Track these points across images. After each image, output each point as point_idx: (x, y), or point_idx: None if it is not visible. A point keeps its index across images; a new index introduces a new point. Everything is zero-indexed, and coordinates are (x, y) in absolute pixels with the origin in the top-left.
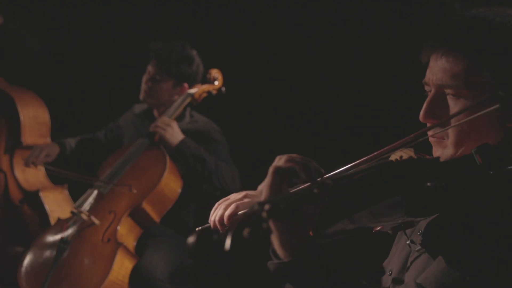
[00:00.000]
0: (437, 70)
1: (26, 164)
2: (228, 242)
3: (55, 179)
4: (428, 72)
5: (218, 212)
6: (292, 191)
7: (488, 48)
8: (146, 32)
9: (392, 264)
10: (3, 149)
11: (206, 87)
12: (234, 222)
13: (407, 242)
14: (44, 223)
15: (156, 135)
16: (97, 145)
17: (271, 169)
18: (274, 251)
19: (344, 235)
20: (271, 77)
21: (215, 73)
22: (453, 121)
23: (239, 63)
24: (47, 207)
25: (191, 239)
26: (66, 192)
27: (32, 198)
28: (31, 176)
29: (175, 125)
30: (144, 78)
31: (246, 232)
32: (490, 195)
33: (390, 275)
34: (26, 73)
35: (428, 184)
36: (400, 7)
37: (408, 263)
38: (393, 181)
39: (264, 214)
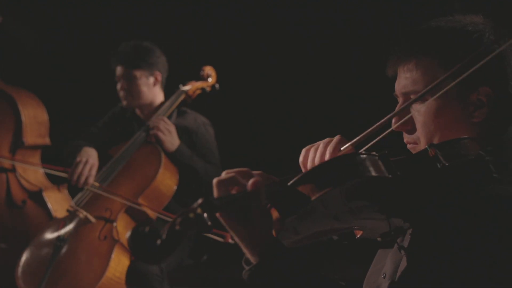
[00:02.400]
0: (401, 80)
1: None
2: (164, 233)
3: (53, 178)
4: (395, 84)
5: None
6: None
7: (440, 52)
8: (142, 31)
9: (386, 267)
10: (7, 149)
11: (199, 84)
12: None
13: (397, 247)
14: (46, 223)
15: (152, 133)
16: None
17: (214, 182)
18: (246, 260)
19: (326, 236)
20: (265, 74)
21: (208, 70)
22: (420, 125)
23: (232, 60)
24: (50, 206)
25: (127, 234)
26: (65, 191)
27: (35, 198)
28: (32, 176)
29: (174, 129)
30: (118, 86)
31: (177, 222)
32: (446, 187)
33: (384, 277)
34: (23, 73)
35: (372, 174)
36: (400, 7)
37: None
38: (333, 172)
39: (198, 210)
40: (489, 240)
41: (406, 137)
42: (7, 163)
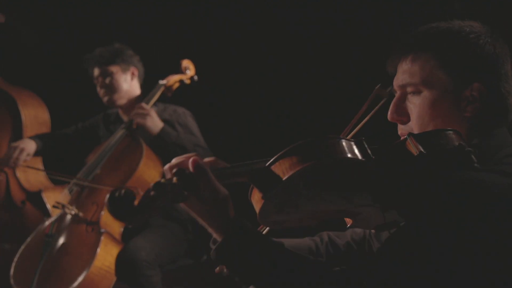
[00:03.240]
0: (399, 74)
1: (6, 164)
2: (136, 200)
3: (55, 180)
4: (394, 79)
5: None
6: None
7: (436, 48)
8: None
9: None
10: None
11: (178, 77)
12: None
13: None
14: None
15: (135, 122)
16: (66, 141)
17: (165, 168)
18: (213, 240)
19: (294, 223)
20: (244, 64)
21: (186, 63)
22: (414, 116)
23: (211, 52)
24: (49, 206)
25: (106, 197)
26: (66, 192)
27: (34, 199)
28: (32, 176)
29: (153, 113)
30: (98, 86)
31: (152, 191)
32: (421, 174)
33: None
34: (26, 72)
35: (347, 156)
36: (400, 7)
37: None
38: (302, 155)
39: (174, 179)
40: (458, 223)
41: (401, 129)
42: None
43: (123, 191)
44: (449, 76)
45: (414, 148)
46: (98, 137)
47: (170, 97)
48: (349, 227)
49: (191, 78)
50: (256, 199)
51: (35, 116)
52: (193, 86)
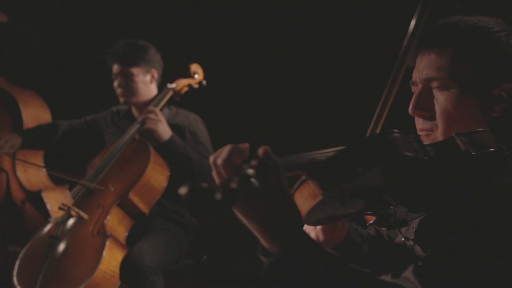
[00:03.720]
0: (422, 67)
1: None
2: (218, 193)
3: (56, 180)
4: (414, 72)
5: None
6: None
7: (467, 43)
8: (128, 29)
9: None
10: None
11: (186, 81)
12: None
13: (402, 239)
14: (45, 223)
15: (145, 126)
16: (69, 133)
17: (219, 162)
18: (262, 250)
19: (336, 220)
20: (252, 69)
21: (195, 67)
22: (441, 112)
23: (219, 57)
24: (49, 207)
25: (183, 189)
26: (67, 192)
27: (34, 198)
28: (32, 176)
29: (164, 120)
30: (115, 84)
31: (234, 185)
32: (471, 176)
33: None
34: (27, 72)
35: (408, 154)
36: (400, 7)
37: (403, 259)
38: (369, 150)
39: (249, 171)
40: (505, 227)
41: (421, 124)
42: (7, 163)
43: (204, 184)
44: (479, 74)
45: (466, 149)
46: (102, 133)
47: (178, 101)
48: (371, 224)
49: (200, 82)
50: (308, 195)
51: (36, 116)
52: (200, 90)
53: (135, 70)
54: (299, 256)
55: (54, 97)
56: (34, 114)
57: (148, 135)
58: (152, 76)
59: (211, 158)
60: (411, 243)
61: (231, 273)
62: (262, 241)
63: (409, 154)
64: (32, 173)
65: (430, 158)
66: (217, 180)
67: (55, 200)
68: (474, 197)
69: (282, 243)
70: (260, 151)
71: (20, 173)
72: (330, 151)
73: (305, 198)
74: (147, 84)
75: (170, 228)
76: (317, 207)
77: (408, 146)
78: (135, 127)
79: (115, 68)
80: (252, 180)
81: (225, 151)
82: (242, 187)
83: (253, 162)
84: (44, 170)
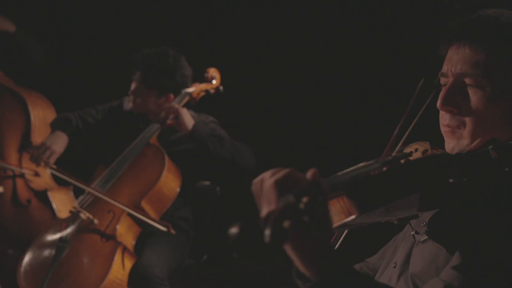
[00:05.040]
0: (456, 60)
1: (37, 162)
2: (267, 234)
3: (59, 180)
4: (446, 63)
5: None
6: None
7: (507, 41)
8: (146, 31)
9: (396, 256)
10: (16, 149)
11: (204, 86)
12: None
13: (412, 233)
14: (50, 223)
15: (169, 119)
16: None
17: (270, 184)
18: (298, 274)
19: (352, 227)
20: (270, 76)
21: (212, 72)
22: (472, 110)
23: (237, 62)
24: (54, 206)
25: (234, 230)
26: (71, 193)
27: (40, 198)
28: (38, 176)
29: (186, 110)
30: (131, 88)
31: (286, 224)
32: (503, 191)
33: (395, 267)
34: (33, 74)
35: (451, 180)
36: (401, 7)
37: (412, 254)
38: (414, 178)
39: (301, 206)
40: None
41: (448, 119)
42: (13, 163)
43: (250, 227)
44: None
45: (501, 164)
46: (110, 133)
47: (194, 106)
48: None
49: (217, 88)
50: (341, 210)
51: (44, 117)
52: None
53: (150, 92)
54: (337, 284)
55: (61, 100)
56: (42, 115)
57: (169, 132)
58: (167, 99)
59: (259, 177)
60: (422, 237)
61: (231, 273)
62: (298, 265)
63: (452, 180)
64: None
65: (468, 178)
66: (258, 202)
67: (60, 200)
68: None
69: (321, 270)
70: (309, 175)
71: (27, 171)
72: (369, 166)
73: (337, 211)
74: (158, 104)
75: (176, 234)
76: (348, 223)
77: (452, 170)
78: (155, 126)
79: (136, 76)
80: (305, 218)
81: (283, 171)
82: (294, 225)
83: (304, 195)
84: (48, 170)
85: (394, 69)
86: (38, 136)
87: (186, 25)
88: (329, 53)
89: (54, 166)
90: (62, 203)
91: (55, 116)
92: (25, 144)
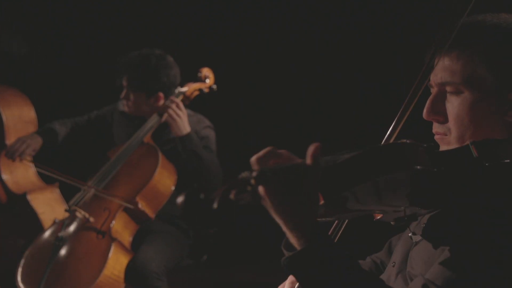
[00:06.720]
0: (438, 70)
1: (12, 157)
2: (216, 202)
3: (46, 177)
4: (432, 74)
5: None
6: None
7: (483, 46)
8: (136, 30)
9: (395, 256)
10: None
11: (197, 85)
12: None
13: (409, 234)
14: (34, 225)
15: (166, 115)
16: (77, 132)
17: (253, 159)
18: (286, 244)
19: (348, 216)
20: (263, 75)
21: (206, 71)
22: (454, 117)
23: (230, 61)
24: (36, 209)
25: (180, 199)
26: (57, 191)
27: (20, 201)
28: (21, 177)
29: (185, 116)
30: (121, 95)
31: (232, 194)
32: (485, 187)
33: (394, 266)
34: (11, 71)
35: (418, 167)
36: (401, 7)
37: (409, 254)
38: (377, 160)
39: (252, 181)
40: None
41: (436, 127)
42: None
43: (201, 194)
44: (494, 77)
45: (480, 159)
46: (107, 132)
47: (188, 105)
48: (379, 219)
49: (210, 87)
50: None
51: (19, 115)
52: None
53: (137, 95)
54: (321, 255)
55: (42, 95)
56: (17, 114)
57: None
58: (157, 99)
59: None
60: (418, 237)
61: (231, 273)
62: (286, 231)
63: (419, 168)
64: (20, 174)
65: (439, 169)
66: None
67: (43, 201)
68: (487, 203)
69: (303, 239)
70: (310, 152)
71: (5, 175)
72: (341, 155)
73: None
74: (150, 105)
75: (170, 231)
76: (339, 211)
77: (419, 158)
78: (154, 119)
79: (123, 80)
80: (249, 188)
81: (264, 150)
82: (239, 197)
83: (254, 169)
84: (33, 169)
85: (394, 69)
86: (14, 136)
87: (179, 25)
88: (325, 52)
89: (34, 163)
90: (46, 203)
91: (33, 112)
92: (1, 147)
